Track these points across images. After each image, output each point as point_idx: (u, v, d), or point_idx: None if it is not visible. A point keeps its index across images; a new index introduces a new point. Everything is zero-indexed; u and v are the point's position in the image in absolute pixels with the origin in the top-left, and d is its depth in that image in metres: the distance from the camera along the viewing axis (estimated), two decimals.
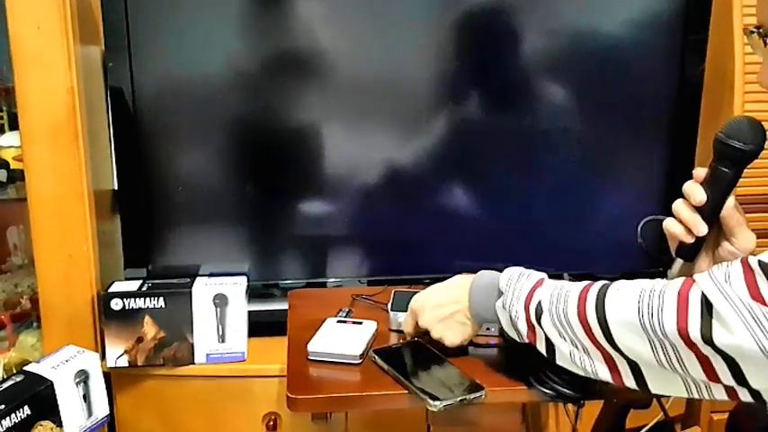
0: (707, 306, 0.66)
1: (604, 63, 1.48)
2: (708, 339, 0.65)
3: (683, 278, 0.70)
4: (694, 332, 0.66)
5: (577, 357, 0.79)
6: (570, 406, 1.39)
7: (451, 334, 0.95)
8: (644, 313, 0.70)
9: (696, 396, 0.72)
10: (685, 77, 1.49)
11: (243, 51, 1.41)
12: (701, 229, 0.82)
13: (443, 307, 0.95)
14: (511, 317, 0.85)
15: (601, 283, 0.78)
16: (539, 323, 0.81)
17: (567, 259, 1.53)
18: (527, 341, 0.85)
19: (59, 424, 1.13)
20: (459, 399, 0.85)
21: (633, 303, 0.71)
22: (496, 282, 0.89)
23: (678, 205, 0.84)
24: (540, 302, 0.81)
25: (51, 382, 1.12)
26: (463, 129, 1.49)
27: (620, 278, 1.44)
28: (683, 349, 0.68)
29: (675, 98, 1.50)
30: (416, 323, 0.99)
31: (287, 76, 1.42)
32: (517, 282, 0.86)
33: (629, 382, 0.76)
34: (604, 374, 0.77)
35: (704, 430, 1.64)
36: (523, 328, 0.84)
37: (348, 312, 1.15)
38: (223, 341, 1.34)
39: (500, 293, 0.87)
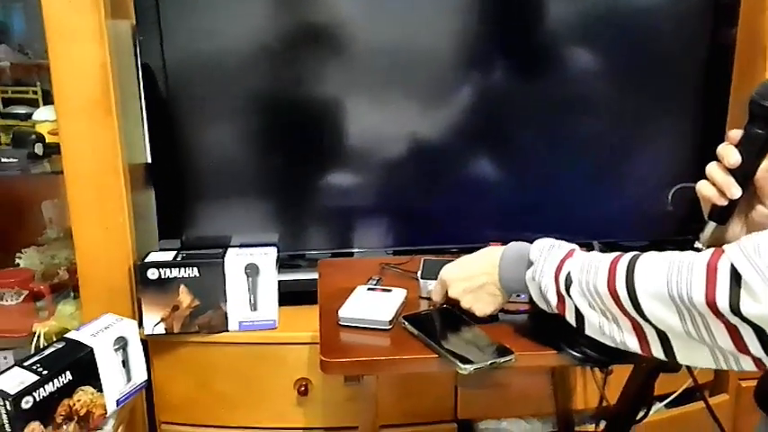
0: (735, 277, 0.65)
1: (633, 26, 1.46)
2: (736, 310, 0.65)
3: (711, 249, 0.70)
4: (722, 303, 0.65)
5: (606, 327, 0.79)
6: (598, 373, 1.41)
7: (482, 305, 0.97)
8: (672, 284, 0.70)
9: (724, 367, 0.72)
10: (717, 40, 1.46)
11: (271, 26, 1.42)
12: (735, 191, 0.80)
13: (473, 279, 0.96)
14: (540, 288, 0.86)
15: (631, 254, 0.78)
16: (568, 294, 0.82)
17: (596, 227, 1.52)
18: (556, 312, 0.86)
19: (99, 389, 1.17)
20: (489, 362, 0.87)
21: (662, 274, 0.71)
22: (526, 253, 0.89)
23: (711, 167, 0.83)
24: (569, 273, 0.82)
25: (91, 348, 1.16)
26: (489, 98, 1.49)
27: (650, 245, 1.44)
28: (712, 319, 0.68)
29: (707, 61, 1.47)
30: (446, 293, 1.01)
31: (315, 49, 1.42)
32: (548, 253, 0.86)
33: (657, 352, 0.76)
34: (633, 345, 0.78)
35: (732, 397, 1.65)
36: (553, 298, 0.84)
37: (378, 280, 1.16)
38: (255, 309, 1.37)
39: (530, 264, 0.88)
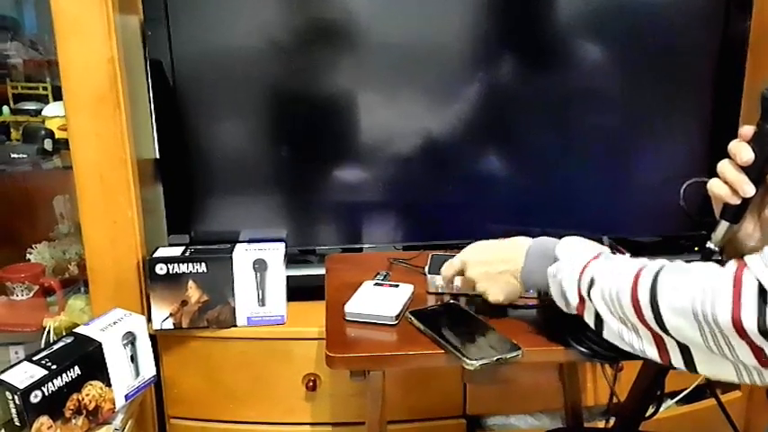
0: (762, 295, 0.63)
1: (645, 21, 1.44)
2: (763, 329, 0.63)
3: (735, 263, 0.68)
4: (749, 323, 0.63)
5: (626, 334, 0.78)
6: (609, 369, 1.40)
7: (496, 290, 0.95)
8: (697, 302, 0.68)
9: (746, 381, 0.70)
10: (730, 34, 1.44)
11: (279, 20, 1.42)
12: (748, 189, 0.78)
13: (494, 264, 0.95)
14: (561, 286, 0.85)
15: (656, 264, 0.76)
16: (589, 297, 0.81)
17: (606, 223, 1.51)
18: (575, 312, 0.85)
19: (108, 383, 1.17)
20: (495, 358, 0.86)
21: (686, 290, 0.69)
22: (552, 248, 0.88)
23: (723, 165, 0.81)
24: (593, 276, 0.80)
25: (100, 343, 1.16)
26: (498, 94, 1.48)
27: (661, 241, 1.42)
28: (736, 340, 0.66)
29: (720, 56, 1.46)
30: (460, 272, 1.00)
31: (323, 44, 1.42)
32: (574, 252, 0.85)
33: (678, 362, 0.74)
34: (652, 354, 0.76)
35: (745, 395, 1.63)
36: (573, 299, 0.83)
37: (386, 275, 1.16)
38: (263, 305, 1.37)
39: (554, 260, 0.87)
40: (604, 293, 0.78)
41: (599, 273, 0.80)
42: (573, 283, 0.83)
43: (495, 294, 0.96)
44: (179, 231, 1.46)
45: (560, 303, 0.87)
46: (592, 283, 0.80)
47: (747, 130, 0.80)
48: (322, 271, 1.24)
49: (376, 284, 1.09)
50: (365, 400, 1.01)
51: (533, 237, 0.94)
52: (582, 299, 0.82)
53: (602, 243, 1.04)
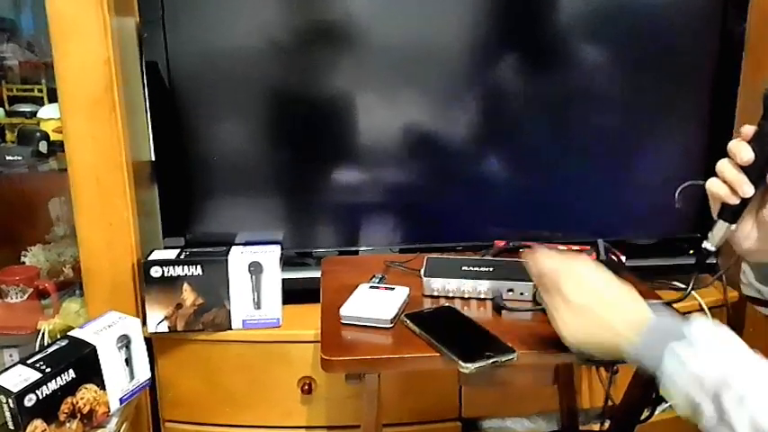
0: None
1: (643, 19, 1.44)
2: None
3: None
4: None
5: None
6: (604, 372, 1.40)
7: (574, 325, 0.82)
8: None
9: None
10: (727, 34, 1.44)
11: (277, 22, 1.41)
12: (747, 189, 0.78)
13: (600, 304, 0.81)
14: (690, 373, 0.71)
15: None
16: (726, 406, 0.68)
17: (602, 225, 1.51)
18: (685, 410, 0.72)
19: (103, 387, 1.17)
20: (490, 360, 0.86)
21: None
22: (678, 326, 0.76)
23: (723, 164, 0.80)
24: (734, 380, 0.69)
25: (94, 346, 1.15)
26: (496, 96, 1.48)
27: (658, 243, 1.40)
28: None
29: (717, 56, 1.46)
30: (546, 268, 0.86)
31: (321, 45, 1.42)
32: (711, 338, 0.73)
33: None
34: None
35: None
36: (700, 396, 0.70)
37: (381, 278, 1.16)
38: (259, 307, 1.37)
39: (681, 337, 0.74)
40: (755, 417, 0.66)
41: (744, 379, 0.69)
42: (702, 379, 0.70)
43: (560, 324, 0.83)
44: (174, 234, 1.45)
45: (669, 390, 0.73)
46: (734, 390, 0.68)
47: (748, 129, 0.79)
48: (318, 274, 1.23)
49: (372, 287, 1.08)
50: (361, 403, 1.01)
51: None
52: (713, 402, 0.69)
53: (598, 245, 1.04)
